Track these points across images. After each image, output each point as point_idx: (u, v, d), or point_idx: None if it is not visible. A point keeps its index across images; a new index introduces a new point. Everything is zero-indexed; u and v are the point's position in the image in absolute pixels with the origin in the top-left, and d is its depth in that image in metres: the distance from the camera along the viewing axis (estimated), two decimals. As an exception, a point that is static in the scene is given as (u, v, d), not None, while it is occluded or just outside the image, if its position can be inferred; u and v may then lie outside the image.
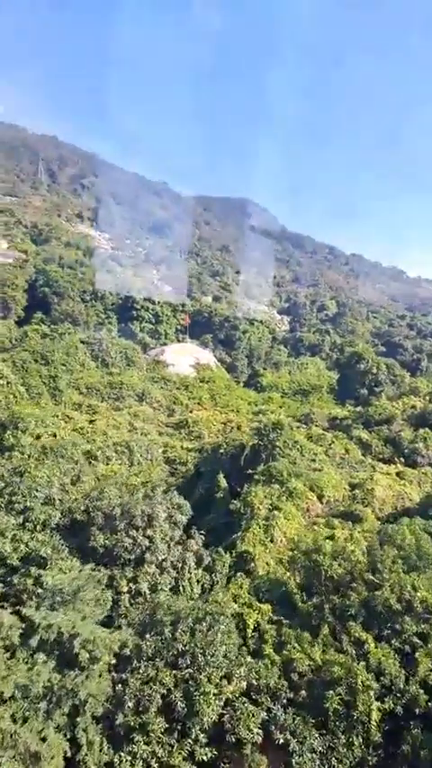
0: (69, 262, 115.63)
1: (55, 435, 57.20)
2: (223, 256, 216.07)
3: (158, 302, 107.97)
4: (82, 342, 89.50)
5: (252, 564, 30.99)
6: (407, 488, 43.02)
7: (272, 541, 33.14)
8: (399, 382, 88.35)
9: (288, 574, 28.34)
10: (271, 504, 38.39)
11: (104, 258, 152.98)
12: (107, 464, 55.91)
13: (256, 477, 42.18)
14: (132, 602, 24.74)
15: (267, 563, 31.31)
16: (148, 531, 26.24)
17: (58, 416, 65.32)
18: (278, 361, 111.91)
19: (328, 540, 28.02)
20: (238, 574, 28.18)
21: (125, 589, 24.82)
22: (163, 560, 26.18)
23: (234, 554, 32.00)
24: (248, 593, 26.16)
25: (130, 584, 25.05)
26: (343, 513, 37.97)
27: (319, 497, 39.79)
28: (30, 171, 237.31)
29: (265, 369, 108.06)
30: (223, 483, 45.61)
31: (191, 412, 78.57)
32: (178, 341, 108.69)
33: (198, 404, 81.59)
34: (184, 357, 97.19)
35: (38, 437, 55.90)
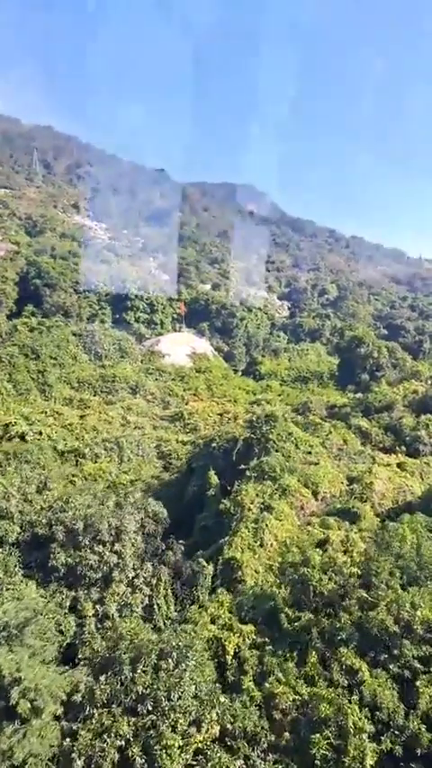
0: (62, 252, 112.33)
1: (41, 433, 54.54)
2: (222, 243, 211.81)
3: (153, 291, 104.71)
4: (74, 334, 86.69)
5: (239, 572, 28.15)
6: (408, 481, 39.98)
7: (262, 546, 30.26)
8: (400, 366, 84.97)
9: (276, 586, 25.42)
10: (263, 503, 35.53)
11: (99, 248, 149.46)
12: (95, 462, 53.37)
13: (247, 473, 39.29)
14: (99, 626, 21.96)
15: (256, 571, 28.47)
16: (117, 546, 23.42)
17: (46, 413, 62.55)
18: (277, 348, 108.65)
19: (317, 551, 25.11)
20: (219, 590, 25.21)
21: (90, 612, 22.05)
22: (134, 577, 23.35)
23: (221, 560, 29.20)
24: (230, 612, 23.26)
25: (97, 607, 22.26)
26: (340, 510, 35.02)
27: (315, 493, 36.86)
28: (25, 162, 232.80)
29: (263, 356, 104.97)
30: (215, 480, 42.78)
31: (186, 404, 75.71)
32: (175, 330, 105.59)
33: (194, 395, 78.71)
34: (180, 347, 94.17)
35: (22, 436, 53.31)
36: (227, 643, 21.11)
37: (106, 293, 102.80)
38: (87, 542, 22.95)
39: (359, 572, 22.69)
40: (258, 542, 30.29)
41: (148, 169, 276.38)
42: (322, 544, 29.62)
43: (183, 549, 26.75)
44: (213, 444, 48.20)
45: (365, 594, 21.19)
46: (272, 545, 30.38)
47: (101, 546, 23.06)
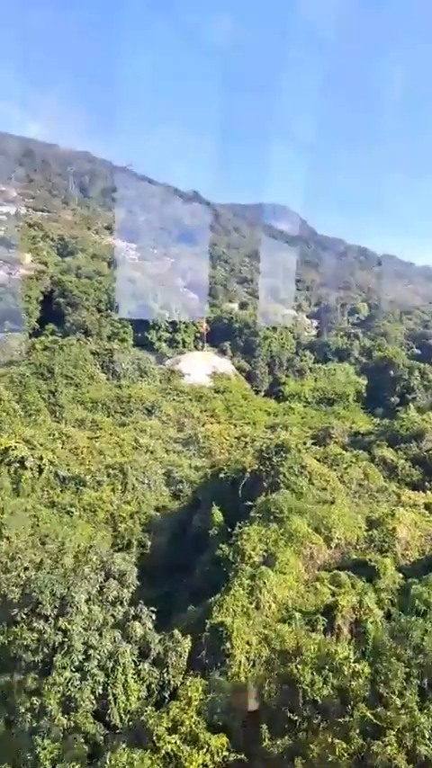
0: (87, 272, 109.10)
1: (41, 458, 50.01)
2: (251, 263, 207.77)
3: (176, 310, 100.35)
4: (92, 353, 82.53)
5: (228, 644, 22.64)
6: (438, 525, 33.92)
7: (258, 608, 24.67)
8: (432, 388, 78.40)
9: (263, 677, 19.79)
10: (266, 551, 29.94)
11: (128, 268, 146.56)
12: (97, 490, 48.58)
13: (252, 513, 33.77)
14: (35, 723, 16.82)
15: (248, 642, 22.88)
16: (62, 622, 18.18)
17: (53, 435, 58.13)
18: (302, 368, 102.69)
19: (313, 637, 19.42)
20: (189, 681, 19.58)
21: (25, 707, 16.92)
22: (85, 660, 18.13)
23: (208, 626, 23.74)
24: (198, 714, 17.67)
25: (33, 700, 17.12)
26: (356, 563, 29.17)
27: (328, 539, 31.05)
28: (62, 186, 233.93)
29: (287, 376, 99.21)
30: (219, 516, 37.41)
31: (203, 426, 70.55)
32: (197, 350, 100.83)
33: (211, 416, 73.48)
34: (201, 366, 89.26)
35: (21, 461, 48.86)
36: (187, 764, 15.63)
37: (129, 312, 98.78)
38: (23, 617, 17.98)
39: (366, 672, 16.91)
40: (254, 603, 24.69)
41: (182, 191, 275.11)
42: (330, 610, 23.92)
43: (153, 617, 21.39)
44: (221, 474, 42.80)
45: (369, 714, 15.42)
46: (270, 607, 24.75)
47: (41, 621, 18.05)
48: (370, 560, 28.43)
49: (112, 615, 19.89)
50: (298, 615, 23.90)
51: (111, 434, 63.19)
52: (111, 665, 18.42)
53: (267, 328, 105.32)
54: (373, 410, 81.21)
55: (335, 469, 40.99)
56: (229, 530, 34.03)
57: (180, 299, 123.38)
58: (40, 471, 49.09)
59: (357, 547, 31.25)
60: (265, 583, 25.19)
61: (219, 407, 76.09)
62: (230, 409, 76.99)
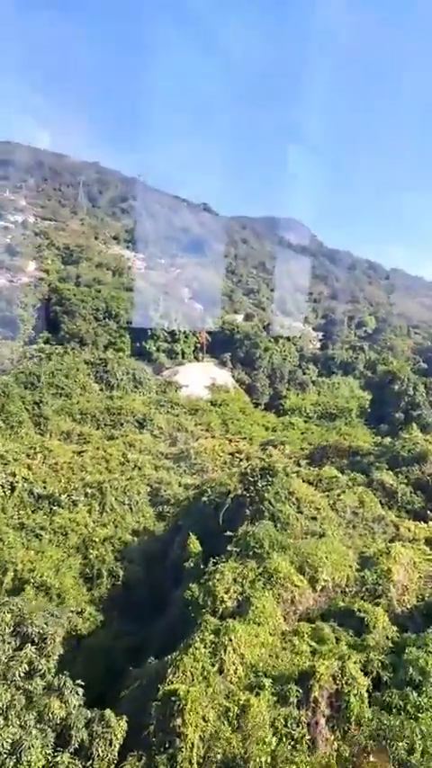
0: (86, 280, 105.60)
1: (14, 475, 46.04)
2: (259, 274, 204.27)
3: (175, 319, 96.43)
4: (86, 363, 78.84)
5: (179, 719, 18.35)
6: (440, 565, 29.42)
7: (221, 671, 20.35)
8: (439, 405, 73.75)
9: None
10: (241, 593, 25.69)
11: (133, 277, 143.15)
12: (72, 511, 44.41)
13: (229, 547, 29.48)
14: None
15: (205, 718, 18.57)
16: None
17: (34, 449, 54.14)
18: (304, 381, 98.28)
19: (283, 712, 15.08)
20: None
21: None
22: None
23: (160, 694, 19.47)
24: None
25: None
26: (343, 611, 24.76)
27: (313, 581, 26.65)
28: (71, 196, 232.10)
29: (288, 390, 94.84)
30: (196, 547, 33.14)
31: (197, 440, 66.32)
32: (197, 360, 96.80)
33: (206, 431, 69.23)
34: (199, 378, 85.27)
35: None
36: None
37: (127, 321, 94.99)
38: None
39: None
40: (217, 665, 20.38)
41: (191, 202, 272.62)
42: (306, 678, 19.58)
43: (80, 693, 17.13)
44: (204, 498, 38.59)
45: None
46: (236, 671, 20.41)
47: None
48: (359, 610, 24.01)
49: (25, 691, 15.72)
50: (268, 683, 19.60)
51: (97, 448, 59.07)
52: (11, 763, 14.20)
53: (269, 340, 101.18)
54: (377, 426, 76.59)
55: (327, 495, 36.57)
56: (208, 562, 29.84)
57: (183, 309, 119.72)
58: (12, 489, 45.13)
59: (347, 590, 26.85)
60: (231, 640, 20.86)
61: (214, 421, 71.95)
62: (227, 423, 72.82)
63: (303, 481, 41.24)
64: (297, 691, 19.02)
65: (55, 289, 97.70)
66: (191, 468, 58.91)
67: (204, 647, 20.84)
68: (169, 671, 20.37)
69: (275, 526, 31.59)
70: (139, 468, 55.77)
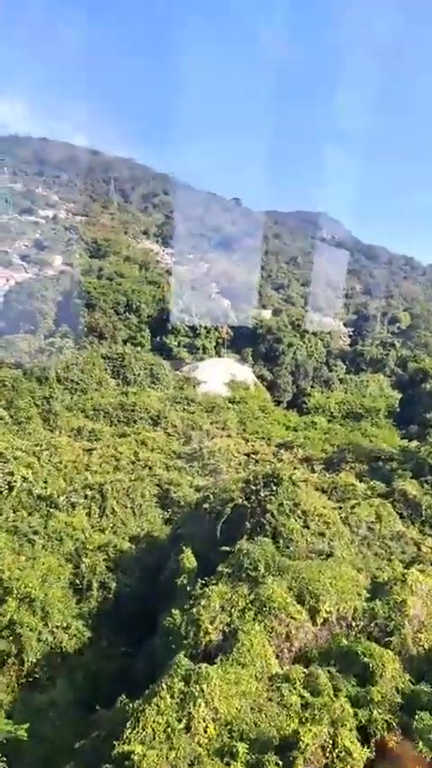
0: (108, 273, 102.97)
1: (12, 474, 43.17)
2: (290, 269, 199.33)
3: (196, 314, 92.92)
4: (103, 357, 76.03)
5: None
6: (466, 595, 25.09)
7: (188, 730, 16.71)
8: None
9: None
10: (228, 624, 22.06)
11: (160, 272, 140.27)
12: (69, 514, 41.31)
13: (220, 567, 25.81)
14: None
15: (161, 791, 15.01)
16: None
17: (40, 446, 51.26)
18: (329, 379, 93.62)
19: None
20: None
21: None
22: None
23: (113, 755, 16.01)
24: None
25: None
26: (346, 650, 20.83)
27: (314, 612, 22.74)
28: (103, 191, 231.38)
29: (312, 387, 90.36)
30: (190, 562, 29.64)
31: (212, 439, 62.71)
32: (219, 356, 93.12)
33: (222, 429, 65.51)
34: (219, 374, 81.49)
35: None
36: None
37: (148, 315, 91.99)
38: None
39: None
40: (184, 722, 16.73)
41: (223, 198, 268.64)
42: (289, 747, 15.81)
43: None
44: (206, 505, 34.96)
45: None
46: (206, 730, 16.71)
47: None
48: (364, 653, 20.04)
49: None
50: (242, 749, 15.88)
51: (108, 446, 56.04)
52: None
53: (294, 335, 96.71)
54: (407, 428, 71.69)
55: (340, 507, 32.49)
56: (201, 581, 26.26)
57: (208, 304, 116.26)
58: (10, 489, 42.27)
59: (354, 624, 22.85)
60: (203, 690, 17.16)
61: (231, 419, 68.17)
62: (245, 422, 68.96)
63: (316, 489, 37.33)
64: (276, 763, 15.25)
65: (77, 282, 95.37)
66: (203, 468, 55.49)
67: (171, 697, 17.23)
68: (129, 724, 16.87)
69: (277, 543, 27.83)
70: (150, 468, 52.46)
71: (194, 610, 22.73)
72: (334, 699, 18.29)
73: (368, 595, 24.18)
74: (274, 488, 30.42)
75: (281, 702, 18.18)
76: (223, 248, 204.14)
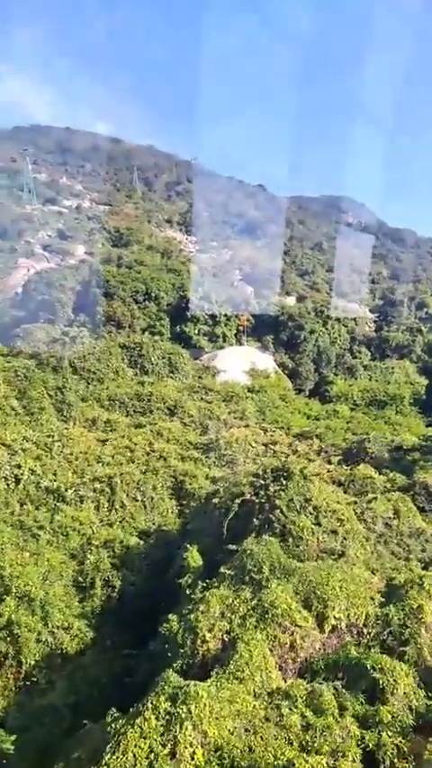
0: (128, 261, 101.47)
1: (19, 466, 42.08)
2: (314, 255, 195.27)
3: (216, 301, 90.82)
4: (121, 346, 74.70)
5: None
6: None
7: (173, 756, 15.06)
8: None
9: None
10: (228, 631, 20.37)
11: (183, 260, 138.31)
12: (77, 508, 40.04)
13: (222, 569, 24.08)
14: None
15: None
16: None
17: (52, 437, 50.17)
18: (353, 366, 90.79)
19: None
20: None
21: None
22: None
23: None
24: None
25: None
26: (355, 664, 18.93)
27: (321, 618, 20.89)
28: (126, 180, 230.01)
29: (335, 375, 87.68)
30: (195, 560, 28.03)
31: (230, 429, 60.93)
32: (240, 344, 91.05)
33: (240, 419, 63.70)
34: (239, 362, 79.62)
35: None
36: None
37: (168, 303, 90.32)
38: None
39: None
40: (169, 747, 15.09)
41: (247, 184, 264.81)
42: (283, 778, 14.05)
43: None
44: (215, 499, 33.22)
45: None
46: (192, 756, 15.04)
47: None
48: (374, 666, 18.12)
49: None
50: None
51: (123, 437, 54.74)
52: None
53: (316, 322, 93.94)
54: (432, 416, 69.01)
55: (356, 502, 30.40)
56: (202, 583, 24.62)
57: (229, 292, 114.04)
58: (17, 482, 41.19)
59: (365, 631, 20.93)
60: (190, 711, 15.47)
61: (250, 409, 66.25)
62: (264, 411, 66.99)
63: (333, 482, 35.35)
64: (269, 797, 13.52)
65: (96, 271, 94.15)
66: (220, 459, 53.86)
67: (156, 719, 15.58)
68: (109, 748, 15.31)
69: (286, 541, 25.96)
70: (165, 459, 50.93)
71: (192, 616, 21.09)
72: (339, 719, 16.47)
73: (382, 600, 22.17)
74: (284, 483, 28.47)
75: (279, 723, 16.41)
76: (247, 235, 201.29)
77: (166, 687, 16.35)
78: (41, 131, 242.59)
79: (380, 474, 36.93)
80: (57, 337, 68.95)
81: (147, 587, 32.33)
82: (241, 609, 20.88)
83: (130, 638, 29.67)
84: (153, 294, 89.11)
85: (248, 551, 23.68)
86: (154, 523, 41.09)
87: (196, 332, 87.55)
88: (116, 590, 32.05)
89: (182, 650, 20.37)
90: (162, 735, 15.27)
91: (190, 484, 46.43)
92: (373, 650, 19.89)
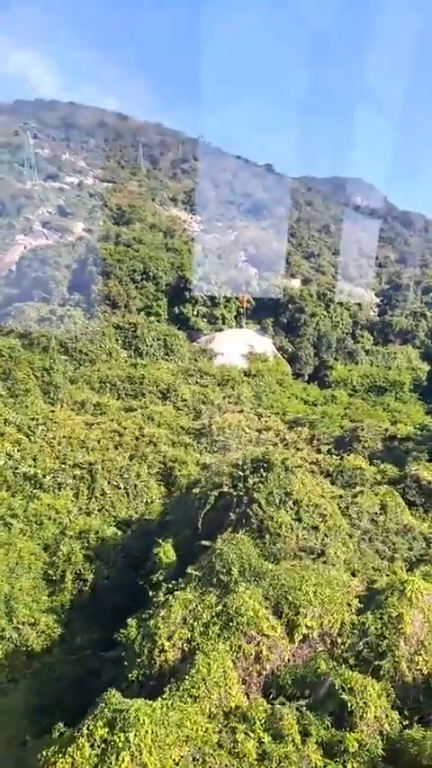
0: (126, 239, 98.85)
1: (-6, 451, 40.38)
2: (321, 237, 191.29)
3: (215, 282, 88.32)
4: (115, 327, 72.67)
5: None
6: None
7: (109, 787, 13.36)
8: None
9: None
10: (189, 640, 18.66)
11: (186, 239, 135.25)
12: (55, 495, 38.40)
13: (189, 569, 22.31)
14: None
15: None
16: None
17: (36, 420, 48.44)
18: (354, 350, 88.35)
19: None
20: None
21: None
22: None
23: None
24: None
25: None
26: (323, 681, 17.14)
27: (291, 625, 19.12)
28: (131, 157, 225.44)
29: (336, 359, 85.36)
30: (169, 556, 26.40)
31: (224, 414, 59.03)
32: (240, 326, 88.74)
33: (235, 404, 61.73)
34: (237, 345, 77.36)
35: None
36: None
37: (167, 283, 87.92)
38: None
39: None
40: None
41: (255, 164, 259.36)
42: None
43: None
44: (196, 490, 31.39)
45: None
46: (132, 788, 13.35)
47: None
48: (343, 686, 16.34)
49: None
50: None
51: (112, 420, 53.00)
52: None
53: (317, 305, 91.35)
54: (434, 402, 66.81)
55: (341, 496, 28.50)
56: (167, 585, 22.91)
57: (230, 272, 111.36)
58: (-8, 468, 39.51)
59: (340, 641, 19.14)
60: (128, 740, 13.72)
61: (246, 393, 64.27)
62: (260, 396, 64.99)
63: (321, 472, 33.47)
64: None
65: (92, 248, 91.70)
66: (212, 445, 52.14)
67: (92, 747, 13.87)
68: (39, 776, 13.64)
69: (263, 538, 24.20)
70: (154, 445, 49.22)
71: (152, 622, 19.39)
72: (300, 746, 14.77)
73: (360, 606, 20.34)
74: (264, 475, 26.61)
75: (233, 750, 14.71)
76: (253, 215, 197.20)
77: (105, 710, 14.61)
78: (45, 106, 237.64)
79: (371, 465, 35.02)
80: (45, 316, 67.00)
81: (122, 581, 30.70)
82: (205, 615, 19.14)
83: (101, 636, 28.13)
84: (151, 274, 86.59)
85: (218, 551, 21.89)
86: (137, 512, 39.56)
87: (195, 313, 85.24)
88: (88, 584, 30.54)
89: (139, 659, 18.74)
90: (99, 760, 13.57)
91: (179, 471, 44.89)
92: (346, 664, 18.13)
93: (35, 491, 37.50)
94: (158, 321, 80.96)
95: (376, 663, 18.02)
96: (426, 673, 18.20)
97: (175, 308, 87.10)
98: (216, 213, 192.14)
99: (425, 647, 18.75)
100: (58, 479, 38.64)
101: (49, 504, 35.99)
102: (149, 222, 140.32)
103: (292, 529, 24.70)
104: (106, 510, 37.76)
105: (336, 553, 23.56)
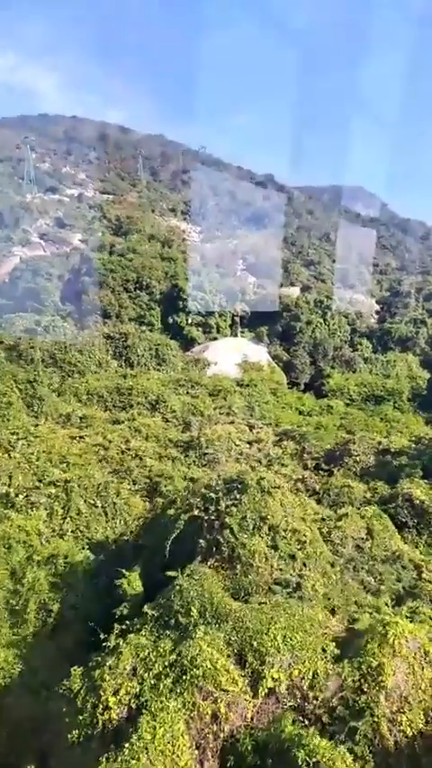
0: (121, 249, 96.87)
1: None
2: (321, 245, 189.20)
3: (209, 290, 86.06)
4: (106, 337, 70.47)
5: None
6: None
7: None
8: None
9: None
10: (138, 695, 16.07)
11: (183, 249, 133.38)
12: (27, 516, 35.84)
13: (146, 608, 19.72)
14: None
15: None
16: None
17: (16, 435, 46.11)
18: (351, 359, 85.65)
19: None
20: None
21: None
22: None
23: None
24: None
25: None
26: (287, 748, 14.50)
27: (255, 677, 16.49)
28: (132, 169, 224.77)
29: (332, 368, 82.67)
30: (135, 586, 23.85)
31: (215, 425, 56.50)
32: (235, 335, 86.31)
33: (226, 415, 59.19)
34: (231, 355, 74.93)
35: None
36: None
37: (160, 292, 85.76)
38: None
39: None
40: None
41: (255, 174, 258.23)
42: None
43: None
44: (171, 511, 28.85)
45: None
46: None
47: None
48: (309, 759, 13.68)
49: None
50: None
51: (98, 434, 50.64)
52: None
53: (313, 312, 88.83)
54: (433, 411, 64.03)
55: (323, 519, 25.84)
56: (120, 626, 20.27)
57: (228, 282, 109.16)
58: (-35, 486, 37.10)
59: (312, 695, 16.47)
60: None
61: (238, 404, 61.68)
62: (253, 407, 62.40)
63: (307, 490, 30.89)
64: None
65: (86, 258, 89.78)
66: (200, 458, 49.57)
67: None
68: None
69: (234, 569, 21.61)
70: (140, 459, 46.83)
71: (97, 672, 16.81)
72: None
73: (338, 651, 17.67)
74: (238, 497, 24.01)
75: None
76: (253, 225, 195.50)
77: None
78: (48, 120, 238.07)
79: (362, 481, 32.35)
80: (30, 327, 64.87)
81: (89, 611, 28.07)
82: (157, 665, 16.56)
83: (64, 673, 25.53)
84: (144, 283, 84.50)
85: (177, 587, 19.30)
86: (114, 533, 36.97)
87: (189, 322, 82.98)
88: (53, 614, 27.93)
89: (81, 717, 16.14)
90: None
91: (165, 486, 42.32)
92: (318, 723, 15.50)
93: (6, 511, 34.93)
94: (152, 331, 78.78)
95: (351, 724, 15.37)
96: (410, 735, 15.51)
97: (170, 318, 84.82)
98: (216, 223, 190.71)
99: (408, 704, 16.07)
100: (32, 499, 36.10)
101: (19, 526, 33.32)
102: (148, 233, 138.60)
103: (266, 558, 22.05)
104: (80, 531, 35.14)
105: (314, 586, 20.89)
